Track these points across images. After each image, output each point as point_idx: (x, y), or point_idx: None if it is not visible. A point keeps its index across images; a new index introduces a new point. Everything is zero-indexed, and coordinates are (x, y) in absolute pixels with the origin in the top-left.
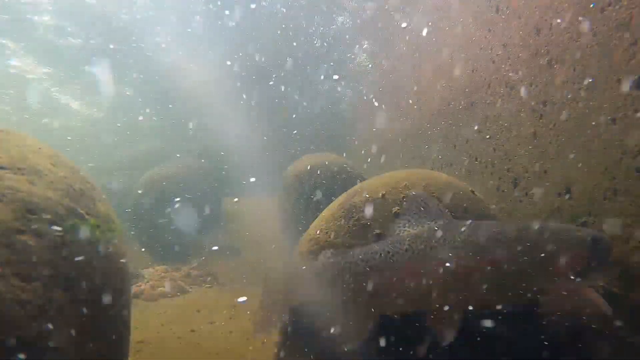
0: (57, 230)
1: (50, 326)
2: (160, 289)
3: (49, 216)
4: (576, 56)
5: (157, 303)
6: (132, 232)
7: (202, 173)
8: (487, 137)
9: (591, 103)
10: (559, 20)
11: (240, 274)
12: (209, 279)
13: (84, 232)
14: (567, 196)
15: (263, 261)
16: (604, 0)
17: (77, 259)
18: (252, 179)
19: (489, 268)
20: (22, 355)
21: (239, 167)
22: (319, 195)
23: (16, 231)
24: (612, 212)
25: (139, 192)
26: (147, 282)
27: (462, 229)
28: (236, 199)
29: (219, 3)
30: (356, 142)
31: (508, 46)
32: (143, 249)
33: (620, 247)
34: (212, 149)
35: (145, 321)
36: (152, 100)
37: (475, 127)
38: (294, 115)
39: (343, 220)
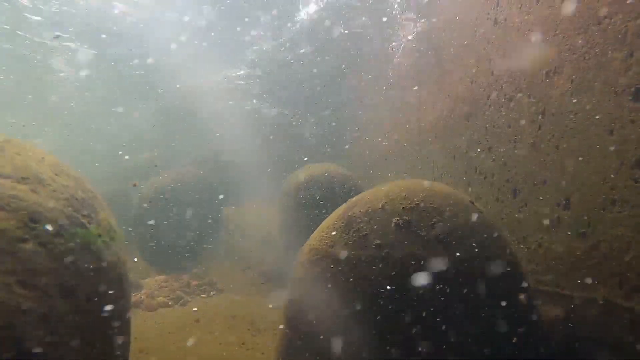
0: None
1: (51, 334)
2: (159, 298)
3: (51, 225)
4: (574, 68)
5: (157, 313)
6: (133, 242)
7: (203, 182)
8: (487, 147)
9: (589, 114)
10: (556, 33)
11: (240, 283)
12: (208, 288)
13: (86, 241)
14: (565, 207)
15: (263, 272)
16: (601, 13)
17: (78, 267)
18: (253, 188)
19: None
20: None
21: (240, 176)
22: (319, 205)
23: (19, 239)
24: (611, 222)
25: (140, 200)
26: (147, 291)
27: None
28: (235, 208)
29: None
30: (356, 153)
31: (507, 57)
32: (143, 259)
33: (620, 257)
34: (213, 157)
35: (145, 331)
36: (154, 108)
37: (475, 138)
38: (294, 122)
39: (343, 231)
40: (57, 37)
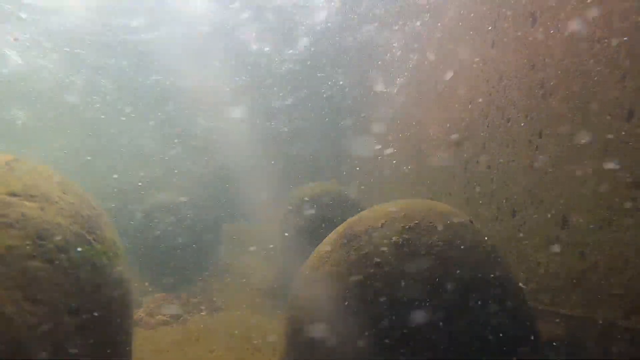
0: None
1: (57, 351)
2: (159, 316)
3: (58, 242)
4: (569, 90)
5: (156, 331)
6: (133, 259)
7: (203, 198)
8: (486, 167)
9: (584, 135)
10: (551, 56)
11: (239, 301)
12: (207, 306)
13: (91, 258)
14: (564, 226)
15: (263, 290)
16: (594, 36)
17: (84, 284)
18: (254, 205)
19: None
20: None
21: (241, 192)
22: (319, 223)
23: (27, 256)
24: (609, 242)
25: (141, 218)
26: (146, 309)
27: None
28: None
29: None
30: (356, 171)
31: (504, 79)
32: (143, 276)
33: (619, 276)
34: (213, 173)
35: (144, 349)
36: (154, 122)
37: (473, 158)
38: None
39: (343, 249)
40: (16, 39)
